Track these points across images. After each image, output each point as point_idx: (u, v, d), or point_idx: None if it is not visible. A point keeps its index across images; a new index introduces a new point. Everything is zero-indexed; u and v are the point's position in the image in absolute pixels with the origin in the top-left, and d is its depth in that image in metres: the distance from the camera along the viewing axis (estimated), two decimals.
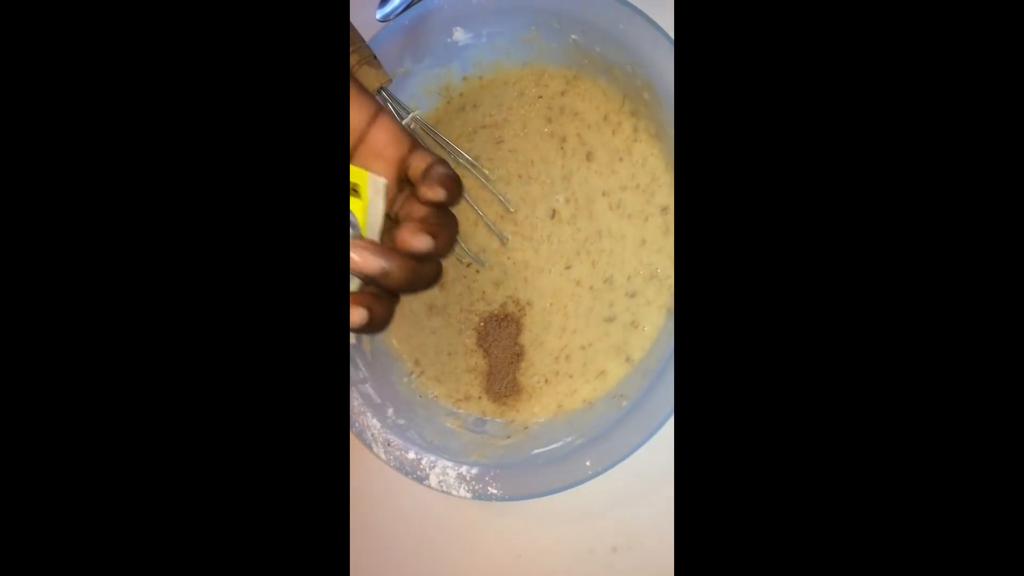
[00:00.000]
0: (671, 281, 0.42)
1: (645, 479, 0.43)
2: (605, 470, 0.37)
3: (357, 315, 0.30)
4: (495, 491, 0.40)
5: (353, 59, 0.43)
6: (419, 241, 0.30)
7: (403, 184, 0.34)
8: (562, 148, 0.45)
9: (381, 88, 0.44)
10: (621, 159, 0.43)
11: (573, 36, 0.42)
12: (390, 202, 0.34)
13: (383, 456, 0.43)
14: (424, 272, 0.31)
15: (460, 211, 0.47)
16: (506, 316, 0.46)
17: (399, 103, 0.45)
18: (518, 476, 0.39)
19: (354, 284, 0.32)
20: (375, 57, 0.44)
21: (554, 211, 0.45)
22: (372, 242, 0.31)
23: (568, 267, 0.44)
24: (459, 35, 0.45)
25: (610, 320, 0.43)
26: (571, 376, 0.44)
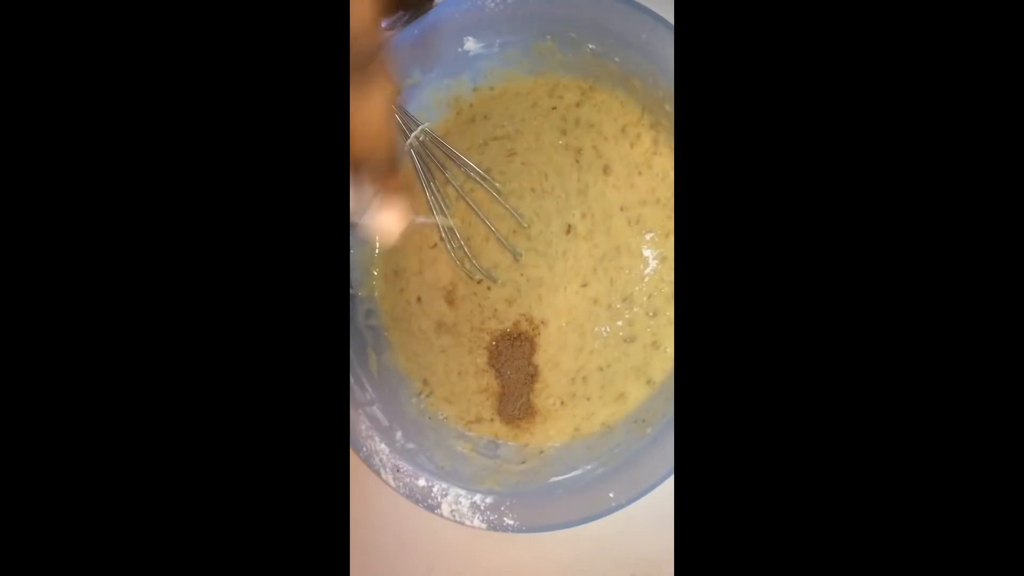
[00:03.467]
0: None
1: (665, 505, 0.41)
2: (630, 502, 0.35)
3: None
4: (511, 522, 0.38)
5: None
6: None
7: None
8: (577, 161, 0.43)
9: None
10: (640, 173, 0.42)
11: (591, 46, 0.40)
12: None
13: (392, 483, 0.41)
14: None
15: (472, 226, 0.45)
16: (519, 335, 0.44)
17: (407, 115, 0.44)
18: (536, 506, 0.38)
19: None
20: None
21: (569, 226, 0.43)
22: None
23: (584, 284, 0.43)
24: (470, 44, 0.43)
25: (629, 340, 0.42)
26: (588, 399, 0.42)
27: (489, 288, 0.45)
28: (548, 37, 0.41)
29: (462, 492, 0.40)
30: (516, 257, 0.44)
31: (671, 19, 0.37)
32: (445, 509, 0.40)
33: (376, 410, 0.44)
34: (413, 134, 0.44)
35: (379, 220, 0.32)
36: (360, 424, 0.42)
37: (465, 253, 0.45)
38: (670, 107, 0.39)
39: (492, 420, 0.44)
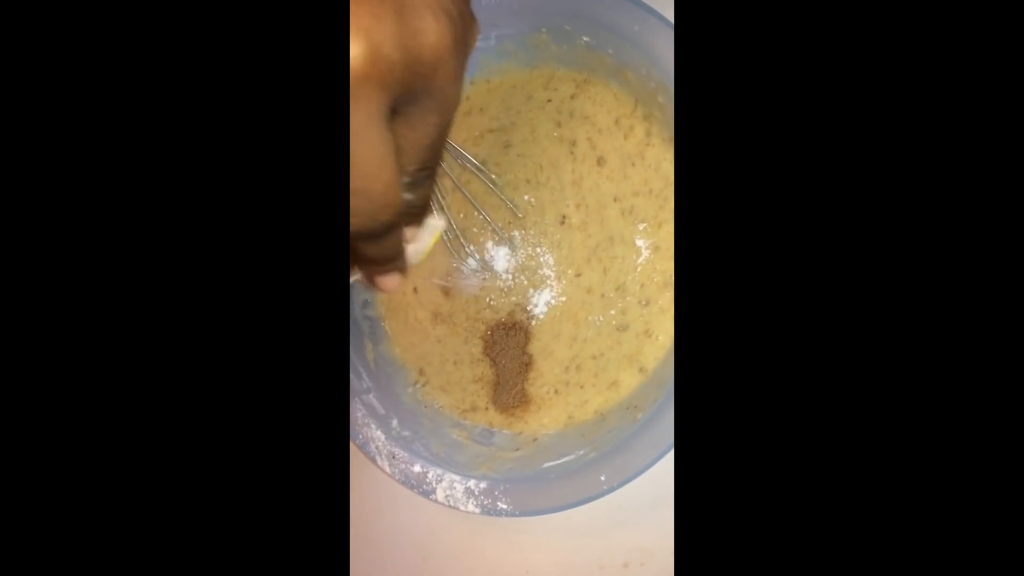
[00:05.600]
0: None
1: (658, 493, 0.42)
2: (621, 485, 0.36)
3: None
4: (505, 506, 0.39)
5: None
6: None
7: None
8: (572, 153, 0.44)
9: None
10: (633, 164, 0.42)
11: (585, 38, 0.41)
12: None
13: (388, 469, 0.42)
14: None
15: (467, 217, 0.46)
16: (514, 324, 0.45)
17: None
18: (529, 491, 0.38)
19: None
20: None
21: (564, 217, 0.44)
22: None
23: (578, 274, 0.43)
24: None
25: (622, 329, 0.42)
26: (582, 386, 0.43)
27: (484, 278, 0.45)
28: (543, 30, 0.42)
29: (456, 478, 0.40)
30: (512, 248, 0.45)
31: (664, 12, 0.38)
32: (440, 494, 0.40)
33: (372, 399, 0.44)
34: None
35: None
36: (356, 412, 0.43)
37: (462, 244, 0.45)
38: (663, 99, 0.40)
39: (487, 409, 0.45)
